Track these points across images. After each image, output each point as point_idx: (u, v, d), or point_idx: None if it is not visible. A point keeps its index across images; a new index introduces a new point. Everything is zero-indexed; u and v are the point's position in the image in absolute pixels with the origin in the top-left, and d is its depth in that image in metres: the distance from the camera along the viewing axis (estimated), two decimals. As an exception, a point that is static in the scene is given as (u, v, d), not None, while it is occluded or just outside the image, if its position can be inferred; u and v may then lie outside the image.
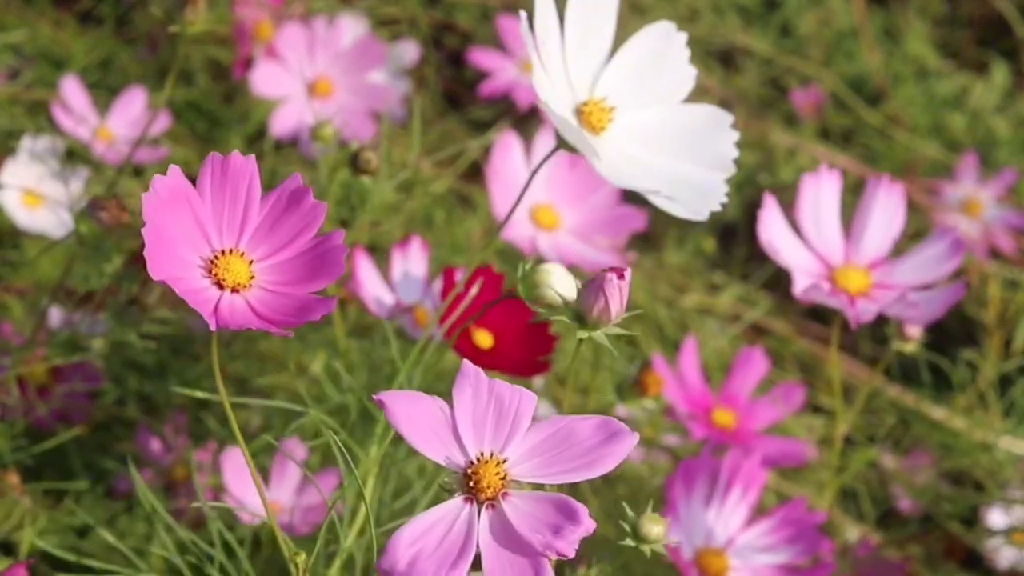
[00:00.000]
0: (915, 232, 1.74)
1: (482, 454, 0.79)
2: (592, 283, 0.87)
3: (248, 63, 1.59)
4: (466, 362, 0.81)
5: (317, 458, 1.26)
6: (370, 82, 1.57)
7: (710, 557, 1.22)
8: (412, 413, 0.79)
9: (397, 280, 1.28)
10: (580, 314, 0.88)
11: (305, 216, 0.83)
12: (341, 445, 0.86)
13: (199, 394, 0.97)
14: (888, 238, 1.20)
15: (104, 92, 1.56)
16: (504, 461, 0.79)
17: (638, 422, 1.33)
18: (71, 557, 1.09)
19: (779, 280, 1.82)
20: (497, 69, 1.67)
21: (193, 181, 1.50)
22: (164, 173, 1.51)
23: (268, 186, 1.24)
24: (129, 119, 1.49)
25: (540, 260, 0.93)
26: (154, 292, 1.14)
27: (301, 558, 0.85)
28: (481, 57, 1.69)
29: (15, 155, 1.39)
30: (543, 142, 1.40)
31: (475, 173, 1.68)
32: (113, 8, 1.72)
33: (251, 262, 0.82)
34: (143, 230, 0.78)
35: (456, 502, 0.78)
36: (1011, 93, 2.02)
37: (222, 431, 1.31)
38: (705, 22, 1.94)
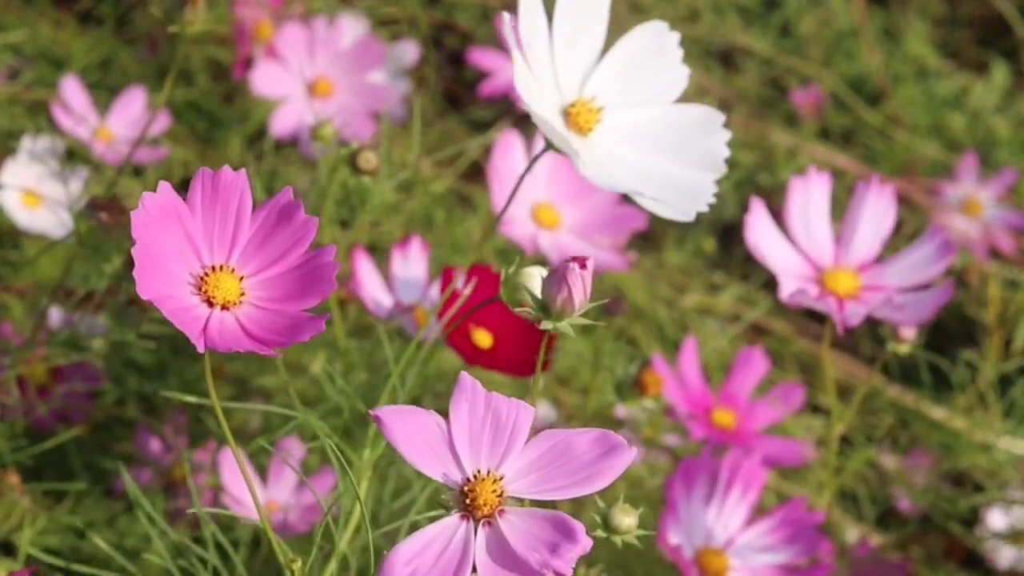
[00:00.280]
0: (915, 233, 1.74)
1: (479, 471, 0.78)
2: (555, 273, 0.87)
3: (248, 63, 1.59)
4: (463, 375, 0.80)
5: (316, 458, 1.26)
6: (370, 82, 1.57)
7: (710, 557, 1.22)
8: (408, 429, 0.78)
9: (397, 280, 1.28)
10: (545, 305, 0.88)
11: (296, 231, 0.82)
12: (335, 448, 0.85)
13: (190, 399, 0.97)
14: (878, 240, 1.19)
15: (104, 92, 1.56)
16: (501, 478, 0.78)
17: (638, 422, 1.33)
18: (71, 557, 1.09)
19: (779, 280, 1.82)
20: (497, 69, 1.67)
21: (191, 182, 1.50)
22: (164, 173, 1.52)
23: (268, 188, 1.25)
24: (129, 119, 1.49)
25: (524, 262, 0.93)
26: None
27: (297, 565, 0.85)
28: (481, 57, 1.69)
29: (15, 155, 1.39)
30: (543, 141, 1.40)
31: (475, 173, 1.68)
32: (113, 8, 1.72)
33: (241, 278, 0.81)
34: (132, 249, 0.77)
35: (453, 519, 0.78)
36: (1011, 93, 2.02)
37: (222, 431, 1.31)
38: (705, 22, 1.94)
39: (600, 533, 0.89)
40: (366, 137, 1.52)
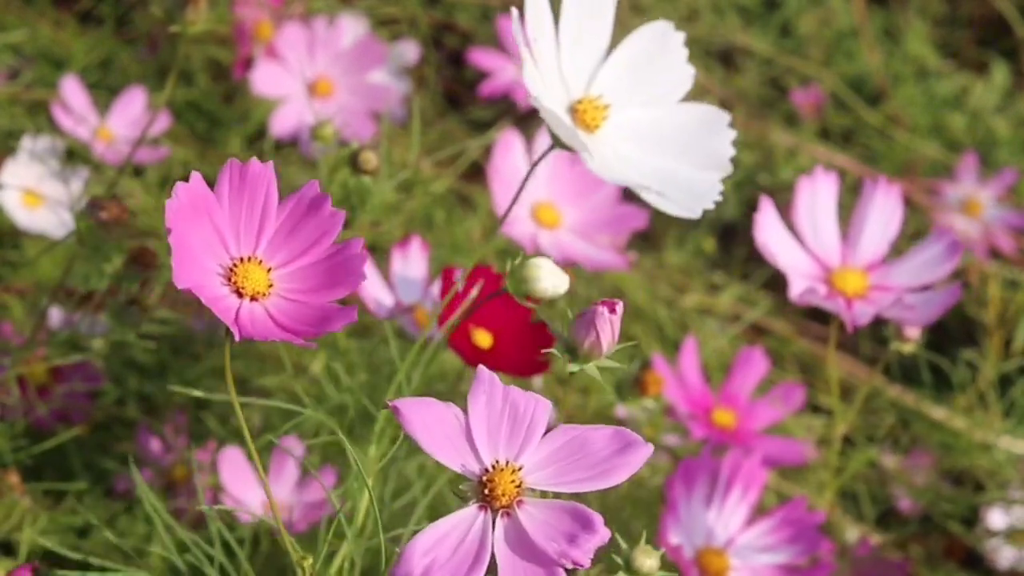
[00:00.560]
0: (915, 232, 1.74)
1: (497, 462, 0.79)
2: (583, 316, 0.87)
3: (248, 63, 1.59)
4: (481, 368, 0.81)
5: (316, 457, 1.26)
6: (370, 82, 1.57)
7: (710, 557, 1.22)
8: (427, 420, 0.78)
9: (397, 280, 1.28)
10: (571, 346, 0.88)
11: (323, 223, 0.82)
12: (344, 443, 0.86)
13: (197, 393, 0.97)
14: (885, 239, 1.20)
15: (104, 92, 1.56)
16: (519, 469, 0.79)
17: (638, 422, 1.33)
18: (71, 557, 1.09)
19: (779, 280, 1.81)
20: (497, 69, 1.67)
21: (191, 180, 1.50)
22: (164, 173, 1.51)
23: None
24: (129, 119, 1.49)
25: (529, 256, 0.93)
26: (154, 292, 1.14)
27: (308, 562, 0.85)
28: (481, 57, 1.69)
29: (15, 155, 1.39)
30: (543, 141, 1.40)
31: (475, 173, 1.68)
32: (113, 8, 1.72)
33: (269, 270, 0.82)
34: (168, 238, 0.78)
35: (471, 510, 0.78)
36: (1011, 93, 2.02)
37: (222, 431, 1.31)
38: (705, 22, 1.94)
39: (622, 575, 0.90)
40: (366, 137, 1.52)
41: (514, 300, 1.04)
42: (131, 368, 1.42)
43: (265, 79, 1.55)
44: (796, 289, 1.13)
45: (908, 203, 1.79)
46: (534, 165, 1.00)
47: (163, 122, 1.48)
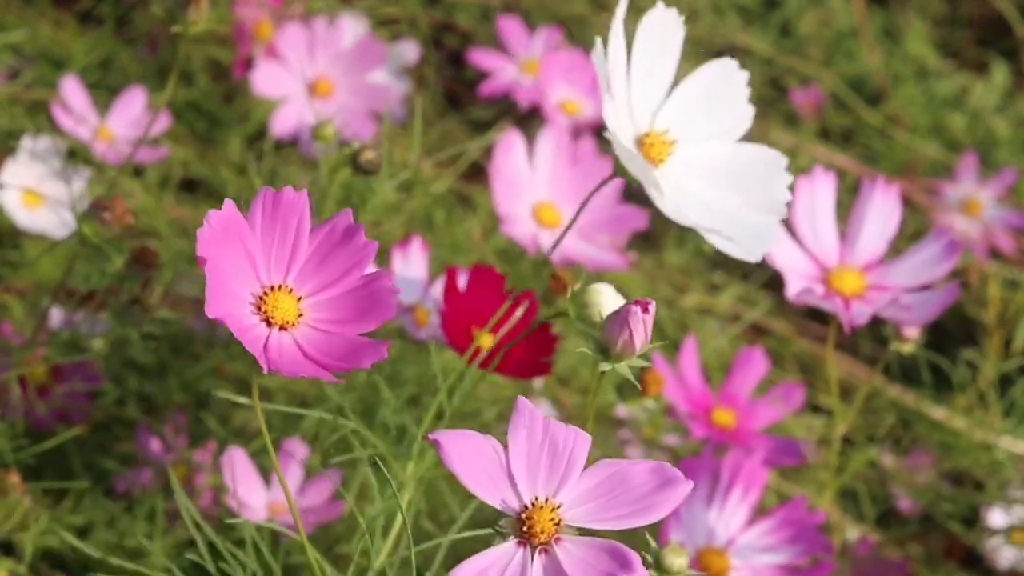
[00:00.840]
0: (915, 232, 1.74)
1: (536, 499, 0.79)
2: (616, 316, 0.87)
3: (248, 63, 1.59)
4: (521, 400, 0.80)
5: (316, 458, 1.25)
6: (370, 82, 1.57)
7: (711, 557, 1.22)
8: (465, 454, 0.78)
9: (397, 280, 1.28)
10: (603, 346, 0.88)
11: (356, 253, 0.82)
12: (377, 460, 0.86)
13: (243, 400, 0.96)
14: (883, 239, 1.20)
15: (104, 92, 1.56)
16: (559, 507, 0.79)
17: (638, 422, 1.33)
18: (72, 557, 1.09)
19: (779, 280, 1.82)
20: (497, 69, 1.67)
21: (193, 184, 1.50)
22: (164, 173, 1.51)
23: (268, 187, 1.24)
24: (129, 119, 1.49)
25: (588, 280, 0.93)
26: (156, 292, 1.14)
27: None
28: (481, 57, 1.69)
29: (15, 155, 1.38)
30: (544, 141, 1.40)
31: (475, 173, 1.68)
32: (113, 8, 1.72)
33: (299, 299, 0.81)
34: (201, 266, 0.77)
35: (510, 545, 0.78)
36: (1011, 93, 2.02)
37: (222, 431, 1.31)
38: (705, 22, 1.94)
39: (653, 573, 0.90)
40: (367, 137, 1.52)
41: (517, 301, 1.04)
42: (131, 368, 1.42)
43: (266, 79, 1.55)
44: (793, 289, 1.13)
45: (908, 203, 1.79)
46: (598, 188, 1.00)
47: (163, 122, 1.48)
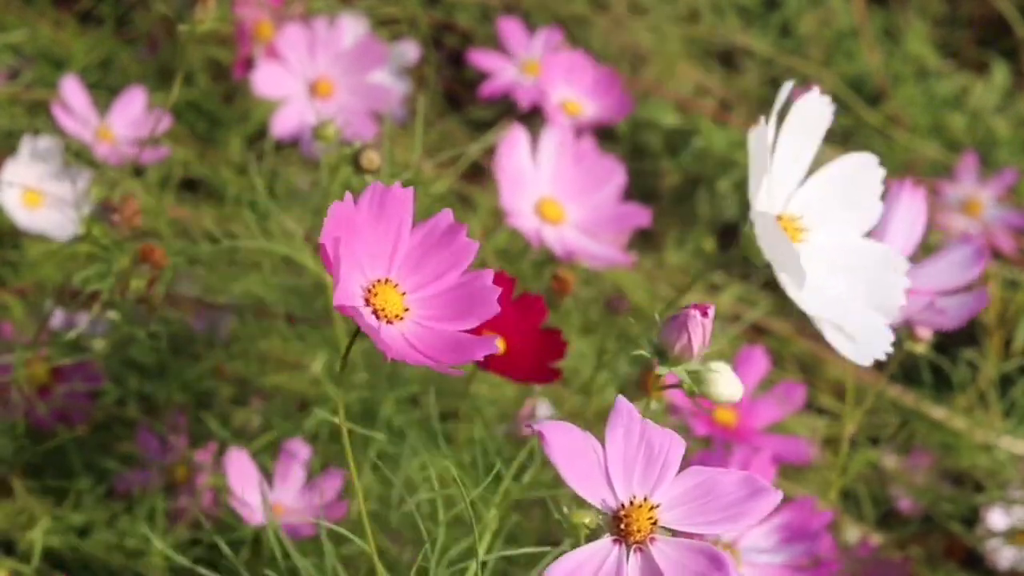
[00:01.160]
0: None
1: (634, 497, 0.80)
2: (675, 320, 0.87)
3: (248, 63, 1.58)
4: (621, 400, 0.82)
5: (317, 460, 1.25)
6: (371, 83, 1.57)
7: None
8: (568, 447, 0.79)
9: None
10: (661, 349, 0.88)
11: (456, 252, 0.82)
12: (460, 486, 0.86)
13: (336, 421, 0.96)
14: (910, 242, 1.20)
15: (104, 92, 1.56)
16: (656, 506, 0.80)
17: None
18: (72, 557, 1.09)
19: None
20: (497, 69, 1.67)
21: (193, 184, 1.50)
22: (164, 173, 1.51)
23: (270, 188, 1.24)
24: (129, 119, 1.49)
25: (709, 355, 0.92)
26: (161, 292, 1.15)
27: None
28: (481, 58, 1.68)
29: (15, 155, 1.38)
30: (548, 139, 1.40)
31: (476, 174, 1.68)
32: (113, 8, 1.72)
33: (403, 294, 0.81)
34: (324, 255, 0.77)
35: (605, 542, 0.79)
36: (1011, 93, 2.02)
37: (223, 431, 1.31)
38: (705, 22, 1.94)
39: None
40: (367, 137, 1.52)
41: (523, 304, 1.05)
42: (131, 368, 1.42)
43: (266, 80, 1.55)
44: None
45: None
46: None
47: (164, 122, 1.48)
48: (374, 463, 1.23)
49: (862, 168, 1.02)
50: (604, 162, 1.41)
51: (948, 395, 1.49)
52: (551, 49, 1.66)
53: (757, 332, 1.71)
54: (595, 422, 1.33)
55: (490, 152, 1.44)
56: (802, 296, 0.94)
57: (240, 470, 1.20)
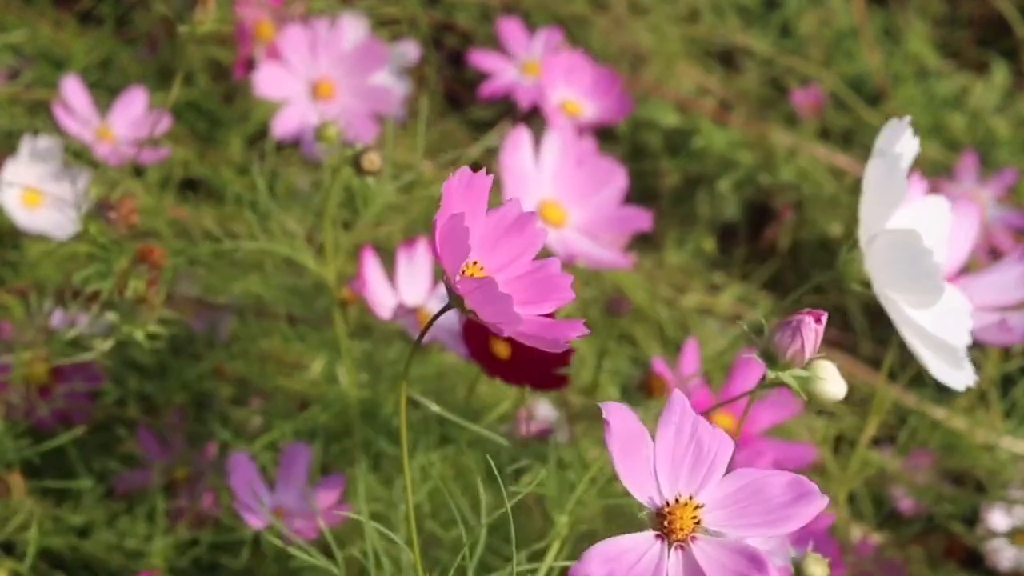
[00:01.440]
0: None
1: (680, 496, 0.80)
2: (787, 325, 0.88)
3: (249, 64, 1.58)
4: (676, 396, 0.82)
5: (317, 462, 1.25)
6: (372, 84, 1.57)
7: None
8: (626, 437, 0.79)
9: (401, 282, 1.28)
10: (772, 353, 0.89)
11: (526, 240, 0.83)
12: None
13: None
14: (964, 252, 1.19)
15: (104, 92, 1.56)
16: (701, 506, 0.80)
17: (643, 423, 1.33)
18: (72, 557, 1.09)
19: (779, 280, 1.82)
20: (497, 70, 1.67)
21: (193, 184, 1.50)
22: (165, 173, 1.50)
23: (270, 188, 1.24)
24: (130, 119, 1.49)
25: (815, 357, 0.93)
26: (162, 291, 1.15)
27: None
28: (481, 59, 1.68)
29: (15, 155, 1.38)
30: (550, 141, 1.40)
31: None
32: (113, 8, 1.72)
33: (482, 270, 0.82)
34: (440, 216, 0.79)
35: (647, 536, 0.79)
36: (1011, 93, 2.02)
37: (223, 431, 1.31)
38: (705, 22, 1.94)
39: None
40: (369, 138, 1.52)
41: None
42: (131, 368, 1.42)
43: (268, 80, 1.54)
44: None
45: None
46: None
47: (164, 122, 1.48)
48: (375, 464, 1.23)
49: (937, 211, 1.05)
50: (605, 164, 1.41)
51: (949, 395, 1.49)
52: (551, 49, 1.66)
53: (758, 333, 1.71)
54: (598, 421, 1.33)
55: (490, 152, 1.44)
56: (919, 315, 0.97)
57: (243, 473, 1.20)
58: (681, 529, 0.79)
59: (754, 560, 0.78)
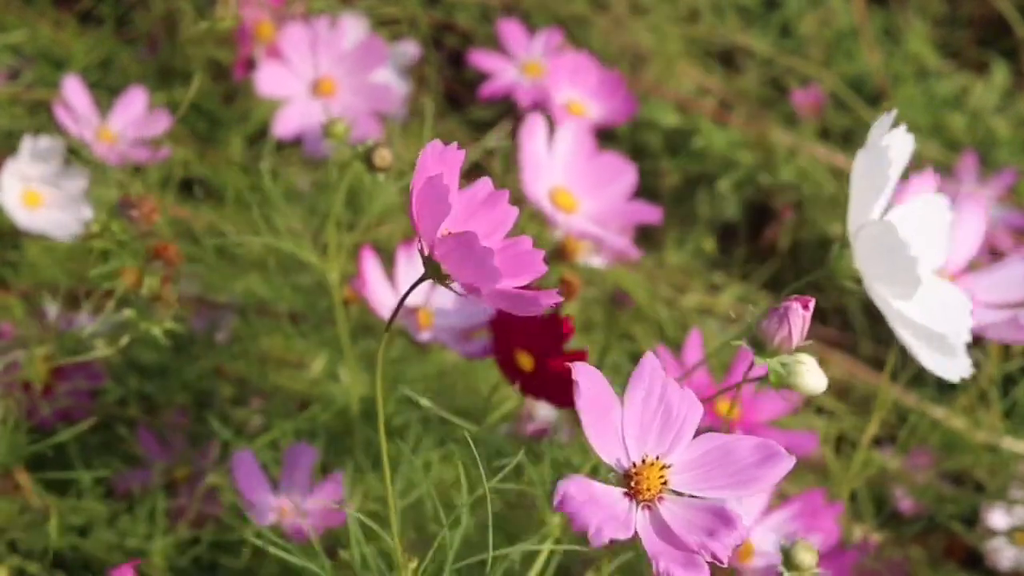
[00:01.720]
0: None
1: (646, 456, 0.80)
2: (775, 312, 0.88)
3: (249, 63, 1.58)
4: (647, 359, 0.82)
5: (318, 462, 1.25)
6: (373, 82, 1.57)
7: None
8: (595, 399, 0.80)
9: (401, 280, 1.28)
10: (760, 341, 0.89)
11: (498, 217, 0.83)
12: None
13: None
14: (970, 249, 1.20)
15: (104, 92, 1.56)
16: (667, 467, 0.81)
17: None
18: (72, 556, 1.09)
19: (779, 280, 1.82)
20: (497, 70, 1.67)
21: (193, 184, 1.50)
22: (165, 173, 1.51)
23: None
24: (130, 119, 1.49)
25: (797, 351, 0.93)
26: (175, 289, 1.15)
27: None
28: (481, 59, 1.68)
29: (16, 155, 1.38)
30: (564, 131, 1.41)
31: (476, 174, 1.68)
32: (113, 8, 1.72)
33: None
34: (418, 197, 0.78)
35: (617, 492, 0.80)
36: (1011, 93, 2.02)
37: (223, 431, 1.31)
38: (705, 22, 1.94)
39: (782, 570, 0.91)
40: (370, 137, 1.52)
41: (552, 322, 1.05)
42: (132, 367, 1.42)
43: (269, 80, 1.55)
44: None
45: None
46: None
47: (164, 123, 1.48)
48: (376, 464, 1.23)
49: (935, 209, 1.05)
50: (616, 160, 1.43)
51: (949, 395, 1.49)
52: (552, 50, 1.66)
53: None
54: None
55: (490, 153, 1.44)
56: (906, 306, 0.97)
57: (247, 472, 1.20)
58: (648, 489, 0.80)
59: (722, 515, 0.78)
